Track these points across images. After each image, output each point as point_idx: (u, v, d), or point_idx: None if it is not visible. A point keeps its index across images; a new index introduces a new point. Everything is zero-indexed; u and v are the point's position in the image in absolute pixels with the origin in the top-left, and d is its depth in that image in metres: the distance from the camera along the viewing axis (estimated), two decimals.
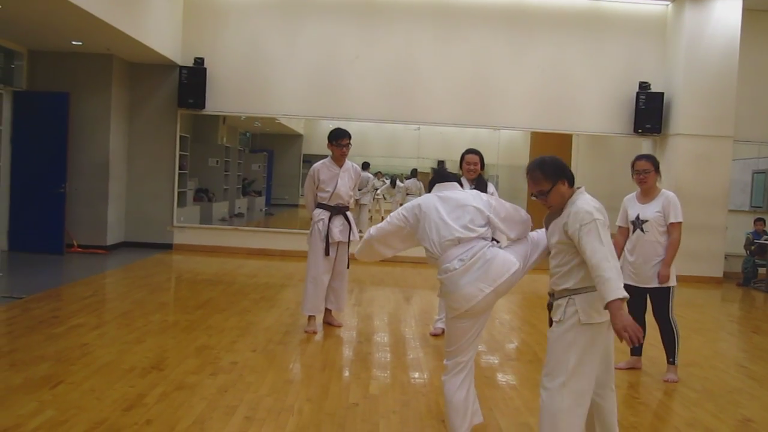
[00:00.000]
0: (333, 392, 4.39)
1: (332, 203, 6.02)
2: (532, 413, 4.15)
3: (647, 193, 5.10)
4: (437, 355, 5.51)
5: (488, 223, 3.40)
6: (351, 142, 6.06)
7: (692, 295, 9.47)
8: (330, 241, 5.96)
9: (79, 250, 10.12)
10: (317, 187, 6.06)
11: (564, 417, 2.97)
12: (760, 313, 8.79)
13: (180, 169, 11.35)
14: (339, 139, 5.98)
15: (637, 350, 5.27)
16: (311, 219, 6.13)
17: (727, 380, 5.27)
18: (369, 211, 15.32)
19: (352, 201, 6.28)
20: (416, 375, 4.92)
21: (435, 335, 6.00)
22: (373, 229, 3.67)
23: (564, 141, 12.09)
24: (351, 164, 6.18)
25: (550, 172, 3.06)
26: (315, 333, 5.99)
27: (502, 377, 5.02)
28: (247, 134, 18.90)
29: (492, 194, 5.56)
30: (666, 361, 5.13)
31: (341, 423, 3.85)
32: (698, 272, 10.51)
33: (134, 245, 10.93)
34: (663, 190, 5.11)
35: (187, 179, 12.06)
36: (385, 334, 6.16)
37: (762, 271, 10.32)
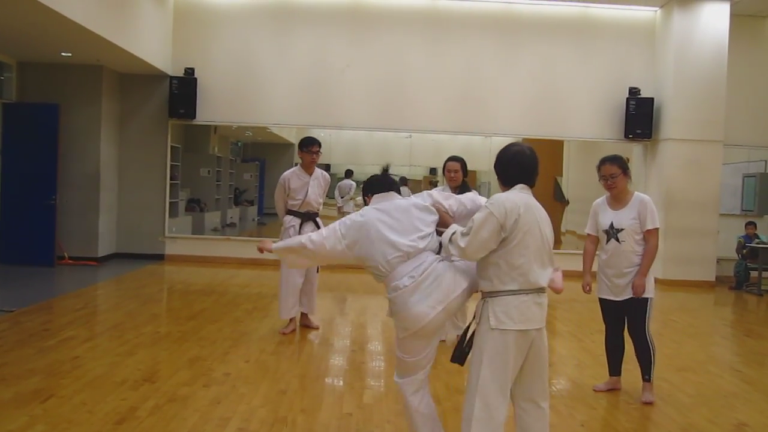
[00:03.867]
0: (327, 402, 4.36)
1: (302, 210, 6.18)
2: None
3: (618, 198, 4.65)
4: (433, 363, 5.48)
5: (434, 222, 3.31)
6: (321, 150, 6.21)
7: (685, 299, 9.49)
8: None
9: (70, 262, 10.06)
10: (288, 195, 6.20)
11: (475, 425, 2.93)
12: (752, 317, 8.81)
13: (171, 179, 11.31)
14: (310, 146, 6.10)
15: (615, 370, 4.88)
16: (282, 226, 6.33)
17: (722, 384, 5.27)
18: None
19: (321, 207, 6.36)
20: None
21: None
22: (309, 242, 3.32)
23: (555, 147, 12.11)
24: (320, 172, 6.31)
25: (495, 164, 3.16)
26: (293, 332, 6.22)
27: None
28: (239, 144, 18.86)
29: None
30: (641, 379, 4.70)
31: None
32: (691, 276, 10.53)
33: (126, 256, 10.87)
34: (636, 193, 4.67)
35: (178, 189, 12.02)
36: (379, 342, 6.13)
37: (754, 274, 10.34)
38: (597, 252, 4.86)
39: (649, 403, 4.58)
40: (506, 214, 2.91)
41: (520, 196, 3.01)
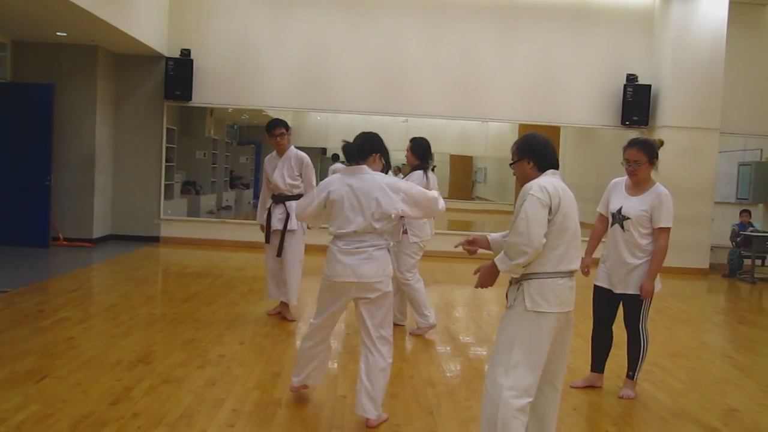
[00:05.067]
0: (321, 385, 4.38)
1: (275, 192, 6.13)
2: None
3: (638, 185, 4.37)
4: (425, 346, 5.52)
5: (388, 216, 3.61)
6: (287, 131, 6.10)
7: (679, 286, 9.53)
8: (271, 229, 6.08)
9: (65, 243, 10.04)
10: (267, 179, 6.22)
11: (503, 405, 2.91)
12: (745, 304, 8.86)
13: (167, 161, 11.27)
14: (272, 129, 6.06)
15: (598, 366, 4.61)
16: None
17: (713, 370, 5.32)
18: None
19: (295, 189, 6.07)
20: (403, 367, 4.92)
21: (417, 334, 5.88)
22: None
23: (552, 133, 12.09)
24: (294, 152, 6.14)
25: (523, 148, 3.16)
26: (279, 314, 6.21)
27: None
28: (235, 126, 18.78)
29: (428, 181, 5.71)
30: (626, 375, 4.52)
31: (329, 415, 3.84)
32: (685, 264, 10.57)
33: (121, 238, 10.86)
34: (657, 184, 4.36)
35: (174, 172, 11.98)
36: None
37: (747, 262, 10.40)
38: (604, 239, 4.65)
39: (629, 398, 4.39)
40: (550, 197, 2.95)
41: (554, 180, 3.05)
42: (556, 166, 3.13)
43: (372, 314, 3.70)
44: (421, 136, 6.00)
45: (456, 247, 3.39)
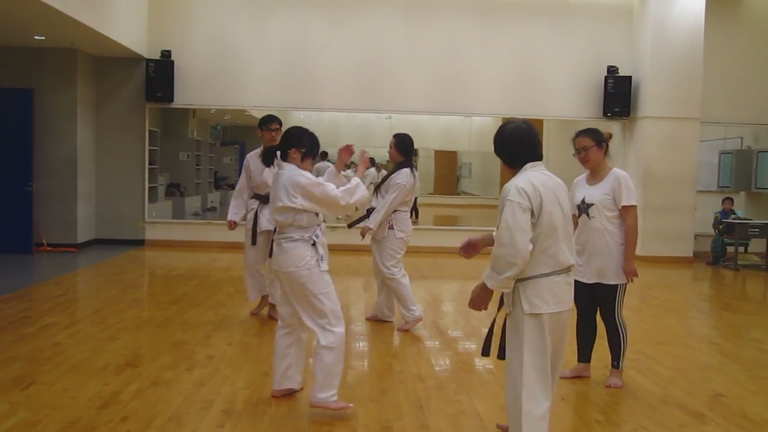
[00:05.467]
0: (310, 383, 4.35)
1: (262, 192, 5.94)
2: None
3: (595, 173, 4.42)
4: (413, 342, 5.54)
5: (286, 209, 3.73)
6: (280, 127, 5.88)
7: (664, 275, 9.62)
8: (258, 230, 5.96)
9: (49, 248, 9.95)
10: (249, 177, 6.04)
11: (525, 416, 2.89)
12: (729, 291, 8.96)
13: (150, 164, 11.21)
14: (268, 123, 5.92)
15: (584, 356, 4.66)
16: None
17: (699, 357, 5.37)
18: None
19: None
20: (392, 363, 4.94)
21: (404, 329, 5.88)
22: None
23: (535, 126, 12.16)
24: None
25: (495, 147, 3.13)
26: (257, 315, 6.22)
27: (479, 362, 5.05)
28: (218, 127, 18.71)
29: (393, 184, 5.75)
30: (611, 364, 4.54)
31: (320, 413, 3.84)
32: (669, 252, 10.67)
33: (106, 242, 10.78)
34: (614, 169, 4.42)
35: (157, 174, 11.91)
36: (362, 323, 6.16)
37: (731, 249, 10.51)
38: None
39: (616, 387, 4.42)
40: (529, 197, 2.85)
41: (532, 175, 2.94)
42: (530, 159, 3.01)
43: (296, 301, 3.82)
44: (404, 132, 5.99)
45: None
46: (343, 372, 4.59)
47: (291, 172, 3.77)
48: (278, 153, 3.91)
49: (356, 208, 4.60)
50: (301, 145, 3.86)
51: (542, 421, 2.91)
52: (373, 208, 5.86)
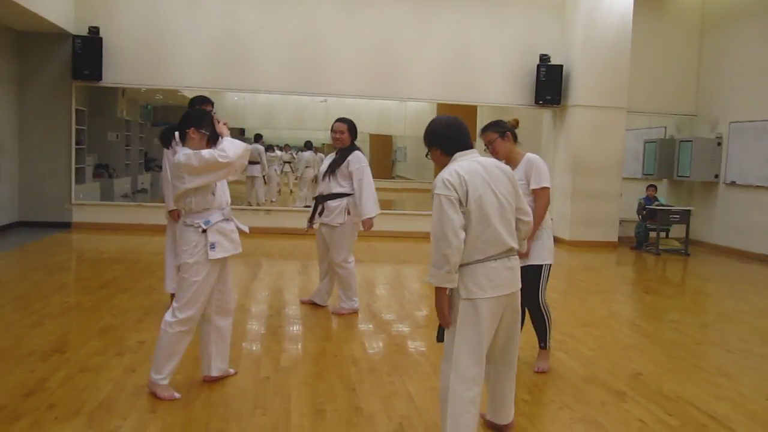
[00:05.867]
0: (244, 366, 4.38)
1: None
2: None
3: (509, 162, 4.33)
4: (348, 326, 5.59)
5: (180, 192, 3.68)
6: (213, 108, 5.59)
7: (589, 259, 9.96)
8: None
9: None
10: None
11: (452, 398, 2.96)
12: (651, 275, 9.36)
13: (77, 144, 10.84)
14: (201, 104, 5.47)
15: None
16: None
17: (621, 338, 5.61)
18: (277, 184, 15.20)
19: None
20: (326, 346, 4.98)
21: (338, 314, 5.92)
22: None
23: (469, 112, 12.31)
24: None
25: (426, 137, 3.13)
26: None
27: (411, 344, 5.15)
28: (149, 107, 18.20)
29: (357, 168, 5.68)
30: (538, 346, 4.60)
31: (253, 397, 3.86)
32: (595, 237, 11.06)
33: (30, 225, 10.40)
34: (527, 154, 4.42)
35: (85, 155, 11.53)
36: (296, 306, 6.17)
37: (653, 235, 10.96)
38: None
39: (543, 372, 4.49)
40: (455, 188, 2.88)
41: (460, 165, 2.97)
42: (465, 147, 3.05)
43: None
44: (343, 116, 5.96)
45: None
46: (277, 355, 4.63)
47: (181, 155, 3.64)
48: (176, 134, 3.78)
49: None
50: (202, 125, 3.73)
51: (470, 405, 2.97)
52: (322, 196, 5.78)
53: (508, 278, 3.01)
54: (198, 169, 3.59)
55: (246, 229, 3.98)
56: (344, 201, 5.74)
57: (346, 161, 5.74)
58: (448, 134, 3.07)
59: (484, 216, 2.93)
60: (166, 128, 3.93)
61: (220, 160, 3.60)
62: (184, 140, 3.76)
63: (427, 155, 3.17)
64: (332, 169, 5.78)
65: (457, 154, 3.04)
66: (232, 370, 4.17)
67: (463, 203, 2.90)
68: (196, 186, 3.66)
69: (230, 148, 3.65)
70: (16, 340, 4.73)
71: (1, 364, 4.21)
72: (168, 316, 3.77)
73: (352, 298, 5.92)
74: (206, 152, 3.60)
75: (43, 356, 4.39)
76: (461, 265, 2.94)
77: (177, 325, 3.74)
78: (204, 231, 3.72)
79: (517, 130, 4.46)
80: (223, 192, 3.91)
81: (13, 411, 3.49)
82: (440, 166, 3.09)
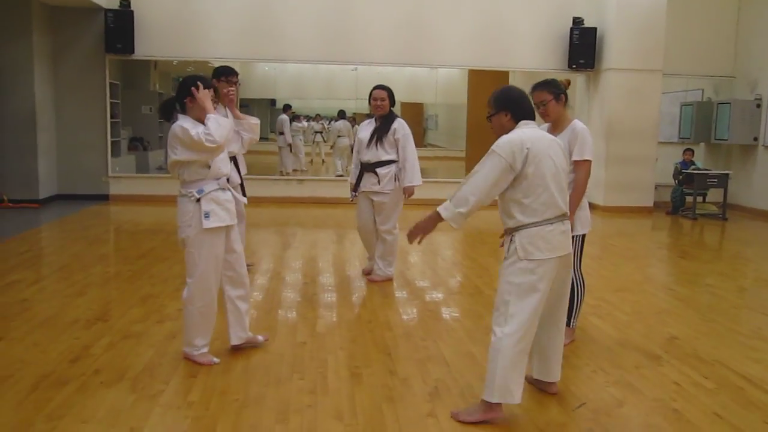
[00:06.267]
0: (281, 332, 4.46)
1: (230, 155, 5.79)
2: (475, 342, 4.32)
3: (555, 126, 4.21)
4: (383, 293, 5.64)
5: (172, 163, 3.70)
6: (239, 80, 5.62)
7: (624, 224, 9.85)
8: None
9: (10, 205, 9.79)
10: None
11: (504, 351, 3.06)
12: (686, 240, 9.23)
13: (112, 117, 11.00)
14: (229, 75, 5.51)
15: None
16: None
17: (656, 302, 5.58)
18: (306, 154, 15.17)
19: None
20: (361, 312, 5.04)
21: (373, 281, 5.93)
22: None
23: (501, 78, 12.18)
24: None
25: (500, 101, 3.23)
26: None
27: (446, 310, 5.18)
28: (180, 79, 18.37)
29: (403, 135, 5.67)
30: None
31: (290, 361, 3.93)
32: (630, 202, 10.92)
33: (68, 198, 10.63)
34: (574, 121, 4.22)
35: (120, 128, 11.70)
36: (330, 274, 6.24)
37: (689, 199, 10.78)
38: None
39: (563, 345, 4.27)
40: (514, 154, 3.03)
41: (524, 132, 3.13)
42: (531, 117, 3.23)
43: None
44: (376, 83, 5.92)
45: None
46: (312, 322, 4.70)
47: (176, 127, 3.63)
48: (177, 106, 3.76)
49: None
50: (187, 93, 3.72)
51: (521, 358, 3.11)
52: (370, 164, 5.71)
53: (562, 241, 3.16)
54: (189, 144, 3.60)
55: (244, 200, 3.97)
56: (393, 168, 5.74)
57: (391, 129, 5.69)
58: (522, 104, 3.24)
59: (542, 179, 3.08)
60: (165, 102, 3.92)
61: (207, 144, 3.57)
62: (183, 110, 3.75)
63: (488, 117, 3.27)
64: (379, 137, 5.73)
65: (522, 122, 3.20)
66: (260, 337, 4.19)
67: (518, 167, 3.04)
68: (187, 160, 3.65)
69: (216, 129, 3.60)
70: (61, 309, 4.88)
71: (47, 332, 4.35)
72: (184, 293, 3.81)
73: (391, 266, 5.95)
74: (196, 134, 3.56)
75: (87, 324, 4.53)
76: (519, 227, 3.09)
77: (194, 300, 3.77)
78: (198, 200, 3.69)
79: None
80: (222, 164, 3.83)
81: (61, 376, 3.62)
82: (501, 130, 3.22)
